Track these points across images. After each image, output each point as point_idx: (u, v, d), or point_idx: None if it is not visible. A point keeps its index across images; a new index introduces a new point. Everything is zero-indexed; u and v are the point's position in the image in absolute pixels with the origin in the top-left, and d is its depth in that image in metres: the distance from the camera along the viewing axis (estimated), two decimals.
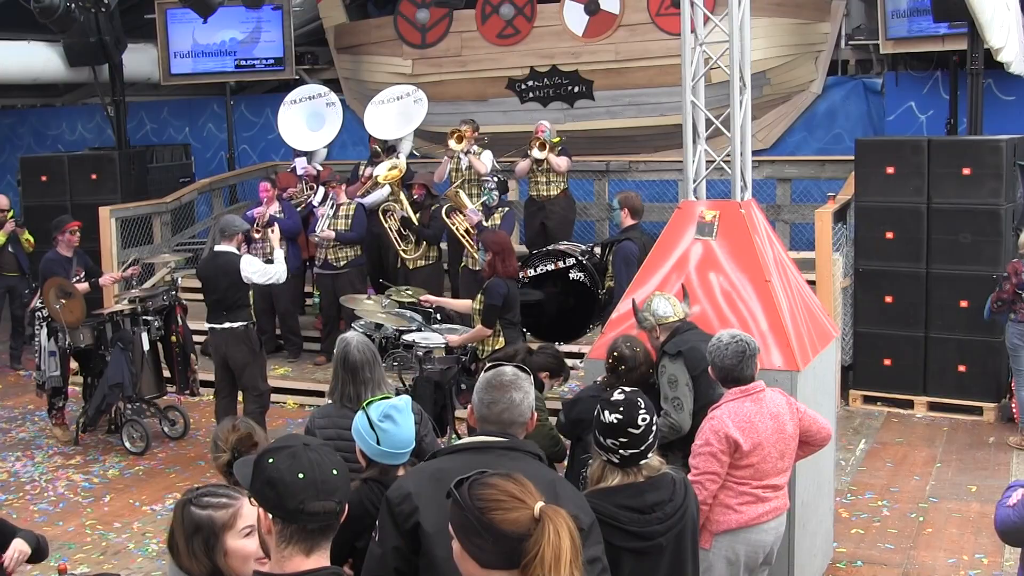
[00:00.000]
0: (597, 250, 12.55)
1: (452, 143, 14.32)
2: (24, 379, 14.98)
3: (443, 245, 14.32)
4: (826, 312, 9.03)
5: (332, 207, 13.86)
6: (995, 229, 12.08)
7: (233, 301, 11.09)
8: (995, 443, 11.51)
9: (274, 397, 12.11)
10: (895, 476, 10.68)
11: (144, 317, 12.22)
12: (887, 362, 12.67)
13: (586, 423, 5.12)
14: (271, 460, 3.41)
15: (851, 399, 12.84)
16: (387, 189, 14.33)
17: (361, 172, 15.20)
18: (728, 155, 8.21)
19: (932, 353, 12.50)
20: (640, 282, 8.10)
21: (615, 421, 4.86)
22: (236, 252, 11.17)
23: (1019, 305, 11.07)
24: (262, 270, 11.21)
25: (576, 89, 16.92)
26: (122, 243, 15.64)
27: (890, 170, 12.46)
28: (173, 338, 12.39)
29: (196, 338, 12.85)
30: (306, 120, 16.34)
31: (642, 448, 4.89)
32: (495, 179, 13.51)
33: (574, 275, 12.20)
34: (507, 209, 13.36)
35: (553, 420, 8.02)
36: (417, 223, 13.82)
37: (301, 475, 3.36)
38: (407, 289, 12.72)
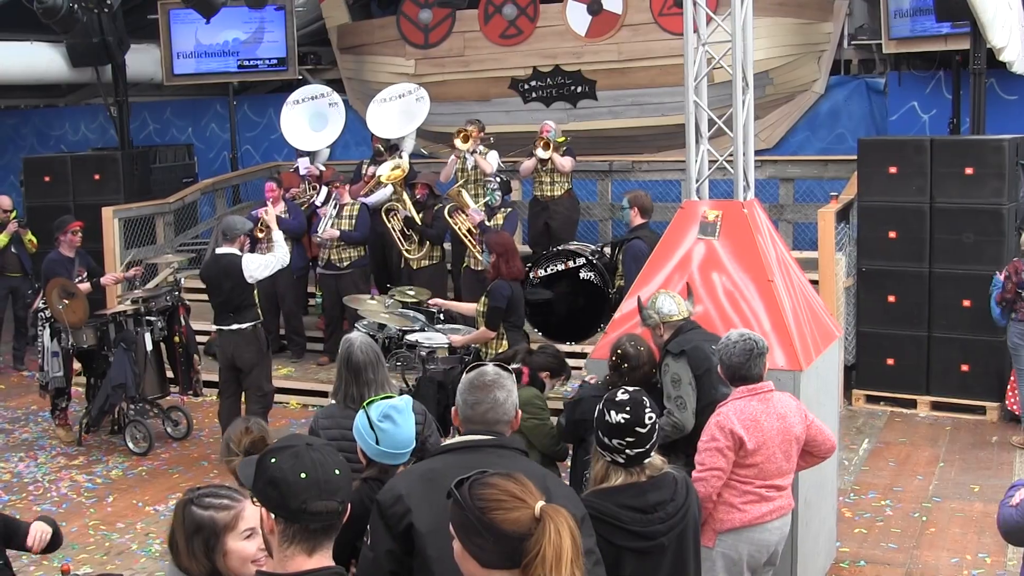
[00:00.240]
0: (607, 250, 12.54)
1: (458, 143, 14.31)
2: (27, 380, 14.98)
3: (447, 245, 14.30)
4: (829, 312, 9.03)
5: (335, 207, 13.86)
6: (998, 229, 12.08)
7: (239, 302, 11.09)
8: (998, 442, 11.51)
9: (277, 397, 12.11)
10: (898, 476, 10.68)
11: (147, 317, 12.22)
12: (890, 362, 12.67)
13: (589, 424, 5.11)
14: (274, 460, 3.41)
15: (854, 399, 12.84)
16: (390, 188, 14.34)
17: (364, 171, 15.21)
18: (731, 155, 8.20)
19: (935, 353, 12.50)
20: (643, 282, 8.10)
21: (622, 421, 4.86)
22: (238, 253, 11.17)
23: (1020, 304, 11.07)
24: (264, 263, 11.19)
25: (579, 89, 16.92)
26: (125, 243, 15.65)
27: (893, 170, 12.46)
28: (176, 338, 12.38)
29: (199, 338, 12.86)
30: (309, 120, 16.34)
31: (647, 447, 4.90)
32: (498, 179, 13.51)
33: (584, 275, 12.20)
34: (510, 210, 13.36)
35: (554, 420, 8.01)
36: (420, 223, 13.81)
37: (304, 475, 3.36)
38: (410, 289, 12.72)
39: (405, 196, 13.98)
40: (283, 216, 13.87)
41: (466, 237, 13.23)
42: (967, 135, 13.35)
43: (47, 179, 17.16)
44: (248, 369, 11.22)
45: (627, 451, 4.87)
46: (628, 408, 4.89)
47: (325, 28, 18.94)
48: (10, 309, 15.79)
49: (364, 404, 5.14)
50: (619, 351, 7.16)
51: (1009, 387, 11.82)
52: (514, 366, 7.94)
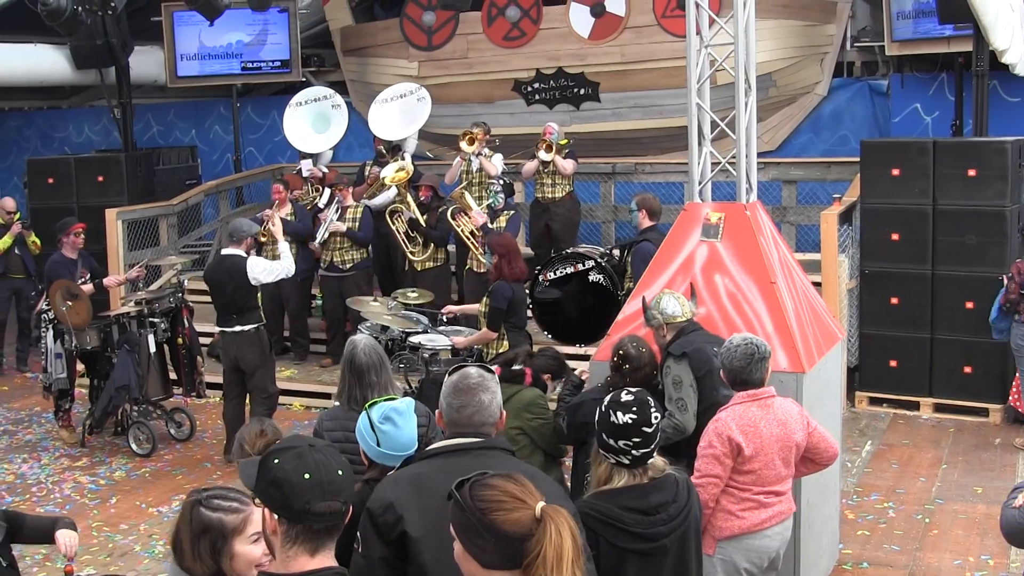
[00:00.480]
0: (616, 252, 12.55)
1: (463, 145, 14.32)
2: (31, 381, 15.01)
3: (451, 247, 14.31)
4: (831, 314, 9.04)
5: (337, 210, 13.86)
6: (1001, 230, 12.08)
7: (242, 304, 11.11)
8: (1001, 444, 11.51)
9: (280, 399, 12.12)
10: (901, 477, 10.68)
11: (150, 319, 12.22)
12: (893, 363, 12.67)
13: (591, 426, 5.11)
14: (277, 461, 3.42)
15: (857, 400, 12.83)
16: (394, 191, 14.35)
17: (367, 173, 15.22)
18: (733, 157, 8.21)
19: (938, 354, 12.50)
20: (646, 284, 8.10)
21: (629, 421, 4.86)
22: (243, 255, 11.18)
23: (1023, 306, 11.09)
24: (268, 268, 11.22)
25: (582, 91, 16.93)
26: (129, 245, 15.65)
27: (896, 172, 12.46)
28: (179, 340, 12.39)
29: (202, 340, 12.87)
30: (311, 122, 16.35)
31: (652, 448, 4.90)
32: (501, 182, 13.52)
33: (593, 277, 12.21)
34: (513, 212, 13.38)
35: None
36: (424, 224, 13.82)
37: (307, 476, 3.38)
38: (413, 291, 12.73)
39: (409, 198, 13.99)
40: (289, 219, 13.89)
41: (469, 239, 13.24)
42: (970, 137, 13.35)
43: (51, 181, 17.16)
44: (251, 371, 11.24)
45: (633, 452, 4.87)
46: (635, 408, 4.89)
47: (328, 30, 18.94)
48: (14, 311, 15.80)
49: (366, 406, 5.15)
50: (620, 352, 7.17)
51: (1014, 386, 11.80)
52: (517, 367, 7.97)
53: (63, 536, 5.65)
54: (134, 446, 12.08)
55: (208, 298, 11.74)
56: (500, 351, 9.95)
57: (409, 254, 13.93)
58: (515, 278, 10.29)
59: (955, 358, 12.40)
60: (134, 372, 11.83)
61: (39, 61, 17.19)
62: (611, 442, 4.89)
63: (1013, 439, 11.53)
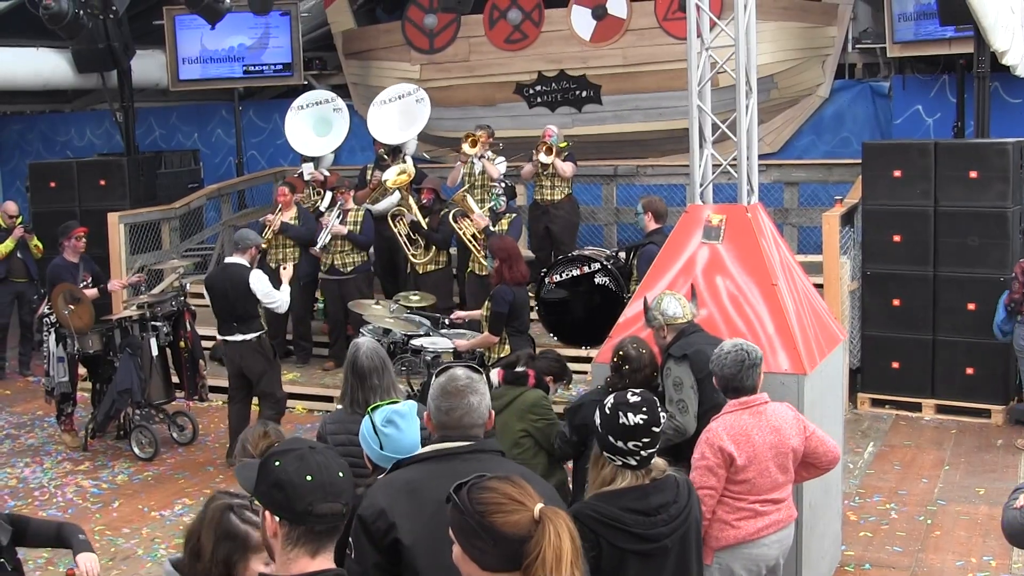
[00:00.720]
0: (622, 255, 12.56)
1: (466, 147, 14.33)
2: (33, 385, 15.01)
3: (453, 250, 14.31)
4: (833, 315, 9.04)
5: (339, 214, 13.86)
6: (1002, 232, 12.08)
7: (242, 312, 11.12)
8: (1003, 445, 11.51)
9: (287, 402, 12.13)
10: (903, 479, 10.68)
11: (153, 323, 12.23)
12: (895, 365, 12.67)
13: (591, 427, 5.10)
14: (278, 463, 3.42)
15: (859, 402, 12.83)
16: (397, 195, 14.34)
17: (369, 177, 15.22)
18: (735, 159, 8.22)
19: (940, 356, 12.50)
20: (647, 286, 8.11)
21: (640, 422, 4.84)
22: (246, 265, 11.20)
23: None
24: (267, 291, 11.21)
25: (584, 94, 16.94)
26: (131, 249, 15.65)
27: (897, 173, 12.46)
28: (182, 344, 12.39)
29: (205, 344, 12.89)
30: (313, 126, 16.34)
31: (657, 447, 4.90)
32: (503, 184, 13.53)
33: (599, 279, 12.22)
34: (514, 215, 13.38)
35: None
36: (426, 227, 13.82)
37: (309, 477, 3.38)
38: (415, 294, 12.74)
39: (411, 200, 13.99)
40: (292, 223, 13.91)
41: (471, 242, 13.25)
42: (971, 138, 13.35)
43: (53, 185, 17.17)
44: (257, 378, 11.26)
45: (641, 452, 4.85)
46: (644, 409, 4.87)
47: (330, 33, 18.96)
48: (16, 314, 15.80)
49: (368, 410, 5.15)
50: (621, 352, 7.17)
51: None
52: (520, 369, 7.98)
53: (85, 561, 5.62)
54: (136, 450, 12.09)
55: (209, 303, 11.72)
56: (502, 355, 9.97)
57: (411, 257, 13.94)
58: (516, 282, 10.30)
59: (957, 359, 12.40)
60: (136, 376, 11.84)
61: (41, 65, 17.21)
62: (619, 444, 4.85)
63: (1015, 440, 11.54)
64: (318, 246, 13.82)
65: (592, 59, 16.74)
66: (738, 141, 8.17)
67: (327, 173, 15.60)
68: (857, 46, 16.18)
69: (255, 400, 11.60)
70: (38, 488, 11.31)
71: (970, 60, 13.30)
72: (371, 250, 14.41)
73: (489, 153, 14.38)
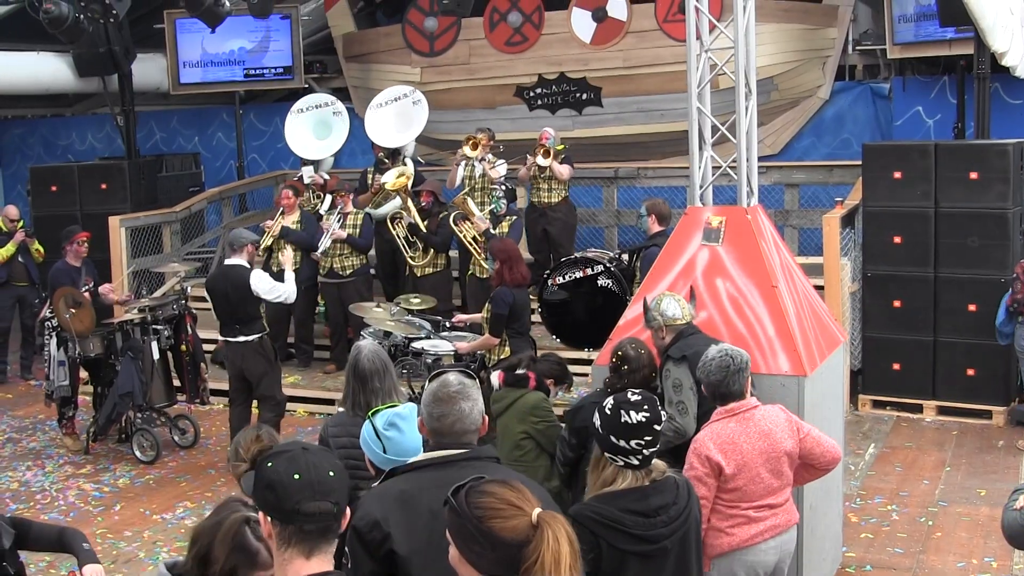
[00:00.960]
0: (625, 257, 12.56)
1: (467, 149, 14.34)
2: (35, 389, 15.00)
3: (453, 253, 14.31)
4: (833, 317, 9.03)
5: (339, 218, 13.86)
6: (1003, 233, 12.08)
7: (244, 314, 11.11)
8: (1004, 447, 11.51)
9: (287, 405, 12.13)
10: (904, 480, 10.68)
11: (154, 326, 12.24)
12: (896, 366, 12.67)
13: (592, 429, 5.08)
14: (270, 464, 3.43)
15: (860, 404, 12.83)
16: (399, 199, 14.34)
17: (370, 180, 15.22)
18: (734, 161, 8.22)
19: (941, 357, 12.50)
20: (647, 288, 8.11)
21: (643, 420, 4.83)
22: (246, 265, 11.19)
23: None
24: (272, 287, 11.21)
25: (584, 96, 16.95)
26: (132, 253, 15.68)
27: (897, 175, 12.46)
28: (183, 347, 12.40)
29: (206, 347, 12.88)
30: (313, 129, 16.34)
31: (658, 446, 4.89)
32: (503, 187, 13.53)
33: (602, 282, 12.22)
34: (515, 217, 13.39)
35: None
36: (425, 230, 13.82)
37: (297, 476, 3.38)
38: (415, 297, 12.74)
39: (410, 203, 13.99)
40: (295, 227, 13.91)
41: (471, 245, 13.25)
42: (972, 140, 13.36)
43: (54, 189, 17.20)
44: (258, 380, 11.24)
45: (644, 451, 4.84)
46: (646, 407, 4.87)
47: (331, 37, 18.98)
48: (17, 318, 15.82)
49: (369, 414, 5.15)
50: (619, 353, 7.17)
51: None
52: (520, 371, 7.98)
53: (92, 573, 5.61)
54: (138, 453, 12.09)
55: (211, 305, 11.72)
56: (503, 357, 9.97)
57: (409, 259, 13.94)
58: (516, 284, 10.30)
59: (958, 360, 12.40)
60: (138, 379, 11.84)
61: (42, 69, 17.22)
62: (621, 443, 4.83)
63: (1016, 441, 11.54)
64: (319, 251, 13.80)
65: (592, 61, 16.75)
66: (738, 143, 8.17)
67: (327, 176, 15.59)
68: (857, 48, 16.19)
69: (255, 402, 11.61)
70: (40, 491, 11.32)
71: (970, 61, 13.31)
72: (371, 253, 14.40)
73: (490, 156, 14.37)
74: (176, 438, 12.53)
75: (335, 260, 13.82)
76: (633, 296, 11.92)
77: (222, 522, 4.05)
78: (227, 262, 11.29)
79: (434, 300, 12.83)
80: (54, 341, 12.22)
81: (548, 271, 12.62)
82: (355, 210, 14.00)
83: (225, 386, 11.82)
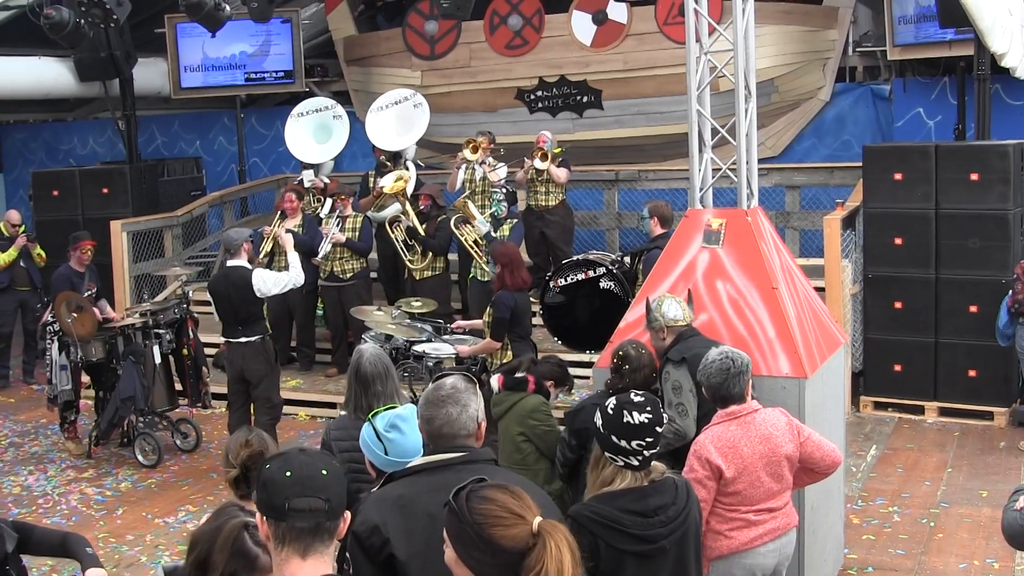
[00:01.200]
0: (628, 260, 12.56)
1: (467, 153, 14.35)
2: (37, 393, 14.98)
3: (452, 256, 14.32)
4: (834, 319, 9.03)
5: (338, 222, 13.86)
6: (1004, 234, 12.08)
7: (247, 315, 11.11)
8: (1006, 448, 11.51)
9: (286, 409, 12.14)
10: (906, 482, 10.68)
11: (155, 330, 12.27)
12: (897, 368, 12.67)
13: (592, 430, 5.09)
14: (268, 466, 3.47)
15: (862, 405, 12.83)
16: (398, 204, 14.34)
17: (371, 184, 15.21)
18: (735, 163, 8.23)
19: (942, 358, 12.50)
20: (648, 290, 8.11)
21: (646, 420, 4.84)
22: (248, 267, 11.20)
23: None
24: (276, 279, 11.21)
25: (585, 99, 16.96)
26: (133, 257, 15.69)
27: (898, 176, 12.47)
28: (185, 351, 12.42)
29: (208, 351, 12.89)
30: (313, 133, 16.35)
31: (658, 448, 4.90)
32: (504, 190, 13.54)
33: (604, 284, 12.22)
34: (516, 221, 13.38)
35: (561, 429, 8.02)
36: (423, 233, 13.82)
37: (288, 473, 3.41)
38: (416, 300, 12.75)
39: (408, 207, 13.99)
40: (296, 230, 13.92)
41: (472, 248, 13.25)
42: (972, 141, 13.36)
43: (56, 193, 17.23)
44: (257, 381, 11.24)
45: (644, 452, 4.85)
46: (649, 408, 4.88)
47: (331, 40, 18.98)
48: (19, 323, 15.83)
49: (369, 417, 5.15)
50: (620, 353, 7.18)
51: None
52: (519, 375, 7.99)
53: (92, 573, 5.61)
54: (140, 457, 12.10)
55: (212, 309, 11.71)
56: (505, 360, 9.97)
57: (408, 263, 13.93)
58: (517, 287, 10.31)
59: (959, 362, 12.40)
60: (139, 383, 11.85)
61: (43, 74, 17.26)
62: (622, 443, 4.84)
63: (1018, 442, 11.54)
64: (319, 256, 13.80)
65: (593, 64, 16.75)
66: (737, 145, 8.18)
67: (327, 180, 15.59)
68: (858, 49, 16.20)
69: None
70: (42, 496, 11.33)
71: (970, 62, 13.32)
72: (372, 256, 14.41)
73: (490, 159, 14.39)
74: (178, 442, 12.54)
75: (335, 264, 13.82)
76: (635, 298, 11.98)
77: (221, 528, 4.07)
78: (228, 264, 11.30)
79: (435, 303, 12.83)
80: (56, 345, 12.23)
81: (550, 273, 12.62)
82: (354, 213, 14.00)
83: (227, 390, 11.82)
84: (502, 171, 14.24)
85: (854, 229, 12.93)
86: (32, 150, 22.22)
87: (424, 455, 4.50)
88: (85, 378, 12.71)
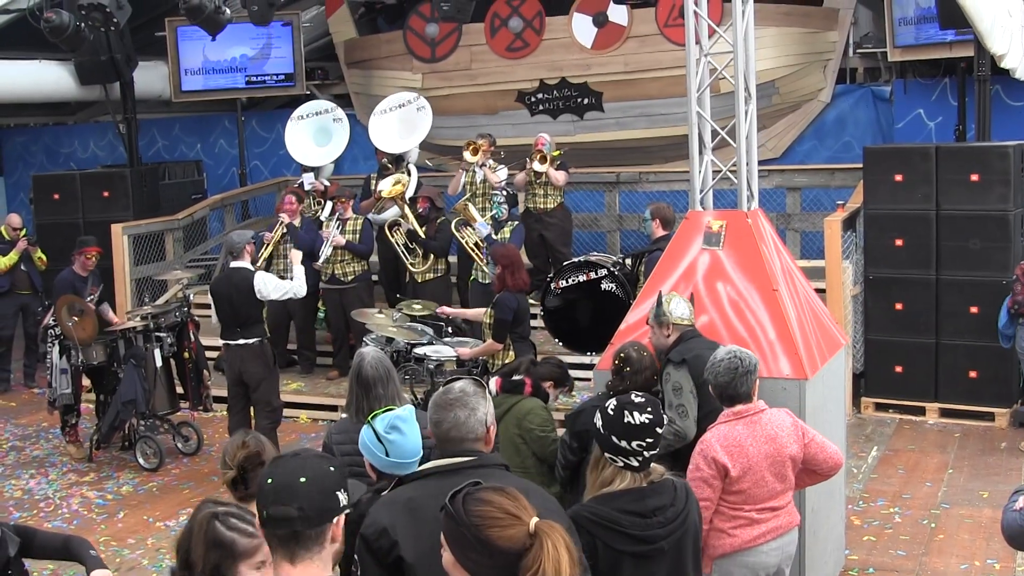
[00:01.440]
0: (629, 261, 12.57)
1: (467, 155, 14.36)
2: (38, 396, 15.00)
3: (452, 258, 14.32)
4: (834, 320, 9.03)
5: (338, 224, 13.85)
6: (1004, 235, 12.09)
7: (247, 317, 11.09)
8: (1007, 448, 11.51)
9: (287, 412, 12.15)
10: (907, 483, 10.68)
11: (156, 333, 12.26)
12: (898, 369, 12.68)
13: (593, 431, 5.08)
14: (264, 471, 3.49)
15: (863, 406, 12.84)
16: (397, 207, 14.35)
17: (373, 186, 15.22)
18: (734, 165, 8.23)
19: (943, 359, 12.50)
20: (649, 292, 8.11)
21: (647, 421, 4.84)
22: (251, 268, 11.20)
23: None
24: (278, 285, 11.20)
25: (586, 101, 16.96)
26: (134, 260, 15.70)
27: (899, 177, 12.48)
28: (186, 354, 12.42)
29: (209, 354, 12.88)
30: (313, 136, 16.35)
31: (657, 449, 4.90)
32: (504, 192, 13.54)
33: (606, 286, 12.22)
34: (517, 223, 13.38)
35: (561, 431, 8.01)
36: (423, 235, 13.82)
37: (269, 480, 3.42)
38: (417, 303, 12.75)
39: (407, 210, 13.98)
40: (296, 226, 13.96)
41: (473, 251, 13.25)
42: (972, 142, 13.37)
43: (56, 197, 17.23)
44: (256, 384, 11.23)
45: (645, 452, 4.85)
46: (649, 409, 4.88)
47: (332, 43, 18.99)
48: (20, 326, 15.83)
49: (368, 419, 5.16)
50: (622, 355, 7.18)
51: None
52: (517, 378, 7.98)
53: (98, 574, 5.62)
54: (141, 460, 12.10)
55: (213, 312, 11.72)
56: (506, 362, 9.97)
57: (410, 266, 13.92)
58: (518, 288, 10.32)
59: (960, 363, 12.41)
60: (140, 387, 11.85)
61: (43, 77, 17.27)
62: (623, 444, 4.84)
63: (1019, 443, 11.54)
64: (320, 260, 13.80)
65: (593, 66, 16.75)
66: (737, 147, 8.18)
67: (327, 183, 15.59)
68: (858, 51, 16.22)
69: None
70: (43, 499, 11.33)
71: (971, 63, 13.32)
72: (373, 259, 14.42)
73: (490, 161, 14.40)
74: (179, 445, 12.53)
75: (336, 266, 13.82)
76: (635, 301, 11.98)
77: (194, 524, 4.09)
78: (232, 266, 11.30)
79: (436, 305, 12.82)
80: (56, 349, 12.23)
81: (551, 275, 12.62)
82: (354, 216, 14.00)
83: (226, 392, 11.81)
84: (502, 173, 14.25)
85: (855, 230, 12.93)
86: (33, 153, 22.22)
87: (432, 459, 4.50)
88: (86, 382, 12.70)
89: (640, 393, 5.08)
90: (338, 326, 14.17)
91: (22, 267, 15.36)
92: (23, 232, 15.54)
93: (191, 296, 13.15)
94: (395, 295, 14.56)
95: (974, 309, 12.22)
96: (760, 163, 8.68)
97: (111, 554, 9.74)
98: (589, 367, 11.61)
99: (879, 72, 16.42)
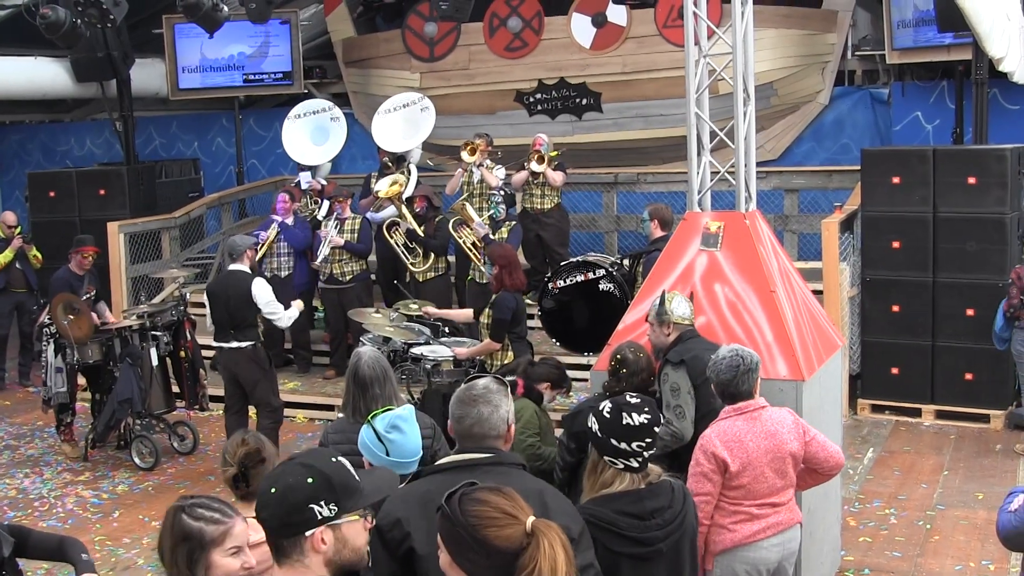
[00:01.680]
0: (627, 262, 12.56)
1: (464, 155, 14.36)
2: (33, 396, 14.97)
3: (451, 258, 14.32)
4: (831, 322, 9.04)
5: (336, 224, 13.85)
6: (1001, 237, 12.11)
7: (241, 320, 11.08)
8: (1002, 450, 11.53)
9: (284, 411, 12.12)
10: (903, 484, 10.69)
11: (153, 332, 12.24)
12: (895, 371, 12.69)
13: (590, 433, 5.08)
14: None
15: (859, 408, 12.85)
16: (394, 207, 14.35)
17: (373, 185, 15.21)
18: (733, 166, 8.23)
19: (939, 361, 12.52)
20: (647, 293, 8.11)
21: (645, 421, 4.84)
22: (249, 272, 11.20)
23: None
24: (269, 301, 11.12)
25: (584, 101, 16.94)
26: (131, 259, 15.69)
27: (896, 180, 12.49)
28: (182, 353, 12.40)
29: (205, 353, 12.86)
30: (310, 135, 16.32)
31: (655, 449, 4.90)
32: (502, 193, 13.54)
33: (604, 286, 12.22)
34: (514, 223, 13.38)
35: (559, 432, 7.99)
36: (422, 235, 13.81)
37: (264, 483, 3.48)
38: (414, 302, 12.73)
39: (404, 210, 13.97)
40: (289, 225, 13.95)
41: (471, 250, 13.25)
42: (970, 145, 13.37)
43: (52, 195, 17.22)
44: (252, 386, 11.22)
45: (644, 453, 4.85)
46: (647, 409, 4.88)
47: (330, 42, 18.97)
48: (15, 325, 15.80)
49: (368, 419, 5.16)
50: (618, 356, 7.18)
51: None
52: (510, 378, 7.97)
53: None
54: (137, 460, 12.09)
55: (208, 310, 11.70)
56: (505, 362, 9.97)
57: (410, 266, 13.91)
58: (516, 288, 10.31)
59: (956, 365, 12.42)
60: (136, 386, 11.84)
61: (40, 74, 17.25)
62: (621, 445, 4.83)
63: (1014, 445, 11.55)
64: (318, 260, 13.80)
65: (592, 67, 16.74)
66: (735, 148, 8.18)
67: (324, 182, 15.58)
68: (856, 53, 16.23)
69: (253, 409, 11.59)
70: (38, 499, 11.31)
71: (969, 67, 13.33)
72: (371, 258, 14.41)
73: (488, 161, 14.39)
74: (175, 444, 12.51)
75: (335, 266, 13.82)
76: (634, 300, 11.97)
77: (164, 522, 4.11)
78: (231, 268, 11.28)
79: (434, 305, 12.81)
80: (51, 347, 12.21)
81: (549, 275, 12.62)
82: (352, 215, 14.00)
83: (223, 392, 11.80)
84: (500, 173, 14.25)
85: (852, 232, 12.94)
86: (29, 151, 22.18)
87: (451, 454, 4.52)
88: (81, 380, 12.68)
89: (635, 394, 5.08)
90: (336, 326, 14.16)
91: (17, 265, 15.34)
92: (18, 230, 15.53)
93: (187, 295, 13.13)
94: (394, 294, 14.56)
95: (970, 311, 12.24)
96: (758, 164, 8.69)
97: (106, 554, 9.73)
98: (586, 367, 11.59)
99: (877, 74, 16.44)
